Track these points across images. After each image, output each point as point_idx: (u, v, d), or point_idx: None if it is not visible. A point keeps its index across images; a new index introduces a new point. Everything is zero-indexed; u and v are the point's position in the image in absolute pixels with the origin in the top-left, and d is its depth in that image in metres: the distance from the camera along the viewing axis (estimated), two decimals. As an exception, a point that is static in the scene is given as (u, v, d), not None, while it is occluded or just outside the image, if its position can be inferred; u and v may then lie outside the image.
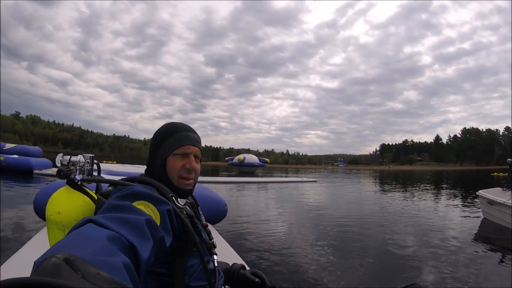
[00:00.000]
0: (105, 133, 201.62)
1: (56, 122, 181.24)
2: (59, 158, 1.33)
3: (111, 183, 1.11)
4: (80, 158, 1.31)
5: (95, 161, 1.39)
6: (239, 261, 2.69)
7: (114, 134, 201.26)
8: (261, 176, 23.39)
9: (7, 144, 15.15)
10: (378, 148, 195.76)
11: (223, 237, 4.35)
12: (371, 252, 4.14)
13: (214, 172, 31.56)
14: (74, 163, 1.30)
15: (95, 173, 1.35)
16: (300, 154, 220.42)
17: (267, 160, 34.96)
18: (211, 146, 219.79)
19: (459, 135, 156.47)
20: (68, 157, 1.32)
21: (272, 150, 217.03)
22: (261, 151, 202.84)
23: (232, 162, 33.89)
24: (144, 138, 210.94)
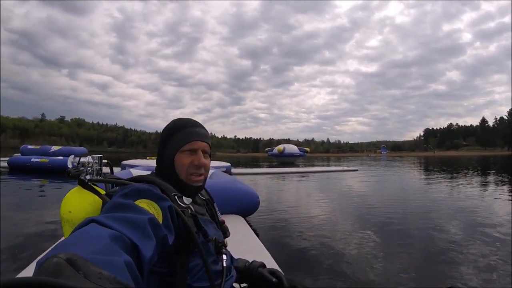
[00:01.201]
0: (147, 131, 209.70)
1: (100, 123, 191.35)
2: (70, 159, 1.35)
3: (116, 183, 1.13)
4: (88, 159, 1.33)
5: (105, 160, 1.41)
6: (266, 256, 2.66)
7: (156, 131, 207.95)
8: (302, 166, 23.08)
9: (53, 147, 16.48)
10: (422, 133, 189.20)
11: (254, 230, 4.30)
12: (414, 245, 3.86)
13: (254, 163, 31.67)
14: (83, 164, 1.32)
15: (104, 173, 1.33)
16: (341, 142, 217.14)
17: (307, 149, 34.42)
18: (251, 137, 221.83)
19: (505, 117, 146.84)
20: (78, 158, 1.34)
21: (313, 139, 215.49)
22: (301, 140, 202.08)
23: (272, 153, 33.74)
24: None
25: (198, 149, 1.10)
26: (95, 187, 1.26)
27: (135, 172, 6.55)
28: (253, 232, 3.48)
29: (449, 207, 6.43)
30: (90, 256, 0.46)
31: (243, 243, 3.04)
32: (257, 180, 12.17)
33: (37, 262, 0.44)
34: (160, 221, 0.82)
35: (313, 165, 25.37)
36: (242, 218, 4.16)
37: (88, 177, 1.27)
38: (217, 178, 5.63)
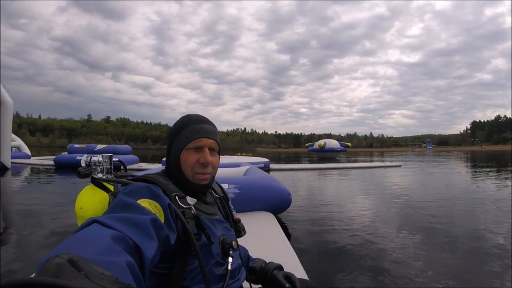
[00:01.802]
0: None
1: (144, 122, 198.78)
2: (83, 158, 1.41)
3: (120, 182, 1.15)
4: (99, 158, 1.37)
5: (116, 159, 1.45)
6: (291, 256, 2.57)
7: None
8: (342, 162, 22.44)
9: (98, 145, 17.31)
10: (468, 126, 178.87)
11: (286, 228, 4.27)
12: (459, 246, 3.53)
13: (295, 159, 31.32)
14: (94, 163, 1.36)
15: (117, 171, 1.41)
16: (385, 136, 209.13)
17: (349, 144, 33.47)
18: (291, 133, 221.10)
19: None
20: (89, 157, 1.39)
21: (355, 133, 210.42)
22: (343, 135, 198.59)
23: (313, 148, 33.33)
24: (227, 130, 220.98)
25: (204, 147, 1.06)
26: (106, 185, 1.30)
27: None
28: (281, 230, 3.38)
29: (499, 207, 5.89)
30: (92, 257, 0.47)
31: (269, 242, 2.97)
32: (296, 176, 11.98)
33: (39, 262, 0.45)
34: (162, 220, 0.81)
35: (355, 161, 24.60)
36: (272, 216, 4.06)
37: (100, 175, 1.32)
38: (250, 174, 5.66)
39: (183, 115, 1.16)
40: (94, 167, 1.37)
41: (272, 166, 15.28)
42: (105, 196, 1.26)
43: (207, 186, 1.10)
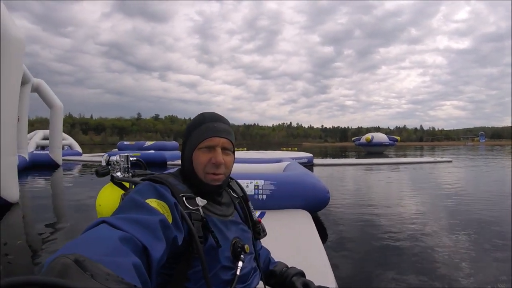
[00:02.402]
0: (236, 123, 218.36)
1: (191, 118, 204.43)
2: (104, 158, 1.45)
3: (132, 181, 1.22)
4: (117, 158, 1.40)
5: (134, 158, 1.48)
6: (321, 258, 2.45)
7: (244, 124, 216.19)
8: (390, 157, 21.30)
9: (146, 142, 18.51)
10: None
11: (323, 227, 4.08)
12: None
13: (341, 153, 30.49)
14: (113, 163, 1.40)
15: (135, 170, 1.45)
16: (436, 129, 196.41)
17: (398, 138, 31.90)
18: (338, 126, 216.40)
19: None
20: (109, 156, 1.42)
21: (404, 126, 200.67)
22: (392, 128, 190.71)
23: (360, 142, 32.30)
24: (273, 124, 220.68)
25: (216, 146, 1.03)
26: (124, 183, 1.33)
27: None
28: (315, 230, 3.24)
29: None
30: (98, 257, 0.47)
31: (300, 242, 2.88)
32: (340, 172, 11.63)
33: (46, 262, 0.46)
34: (170, 220, 0.81)
35: (404, 155, 23.40)
36: (308, 214, 3.93)
37: (118, 174, 1.35)
38: (289, 171, 5.55)
39: (199, 113, 1.14)
40: (112, 166, 1.41)
41: (316, 161, 14.96)
42: (121, 194, 1.28)
43: (220, 186, 1.07)
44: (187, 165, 1.07)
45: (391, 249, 3.30)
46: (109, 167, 1.39)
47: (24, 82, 10.68)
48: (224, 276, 0.96)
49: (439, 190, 7.36)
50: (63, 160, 14.42)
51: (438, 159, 16.48)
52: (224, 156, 1.04)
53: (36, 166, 12.88)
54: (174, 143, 19.08)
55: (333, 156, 24.50)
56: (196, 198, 0.98)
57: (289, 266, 1.30)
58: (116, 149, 18.49)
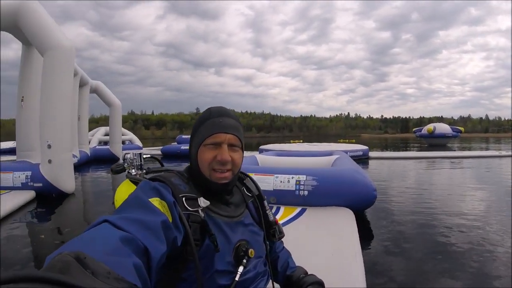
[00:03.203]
0: (292, 115, 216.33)
1: (248, 111, 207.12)
2: (122, 155, 1.48)
3: (140, 180, 1.19)
4: (131, 155, 1.41)
5: (148, 155, 1.48)
6: (357, 263, 2.26)
7: (301, 115, 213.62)
8: (453, 149, 19.76)
9: None
10: None
11: (368, 228, 3.75)
12: None
13: (402, 146, 28.91)
14: (127, 160, 1.42)
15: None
16: (502, 119, 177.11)
17: (461, 129, 29.26)
18: (399, 116, 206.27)
19: None
20: (124, 154, 1.44)
21: (469, 116, 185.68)
22: (455, 118, 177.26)
23: (421, 133, 30.33)
24: (330, 116, 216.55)
25: (222, 143, 0.98)
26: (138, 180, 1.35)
27: (262, 158, 6.77)
28: (356, 231, 3.02)
29: None
30: (99, 256, 0.47)
31: (336, 243, 2.71)
32: (398, 166, 10.89)
33: (47, 259, 0.45)
34: (170, 220, 0.80)
35: (468, 148, 21.52)
36: (350, 213, 3.69)
37: (133, 171, 1.36)
38: (337, 165, 5.29)
39: (207, 108, 1.09)
40: (126, 164, 1.43)
41: (373, 154, 14.25)
42: (136, 190, 1.34)
43: (227, 185, 1.01)
44: (193, 163, 1.02)
45: (449, 254, 2.94)
46: (125, 164, 1.41)
47: (83, 84, 11.76)
48: (222, 280, 0.92)
49: (505, 188, 6.55)
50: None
51: (504, 153, 14.63)
52: (231, 153, 0.99)
53: (97, 160, 13.84)
54: None
55: (392, 149, 23.40)
56: (199, 198, 0.94)
57: (309, 273, 1.20)
58: (175, 143, 19.39)
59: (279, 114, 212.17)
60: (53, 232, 3.93)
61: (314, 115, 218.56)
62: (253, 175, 4.24)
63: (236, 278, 0.93)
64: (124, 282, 0.43)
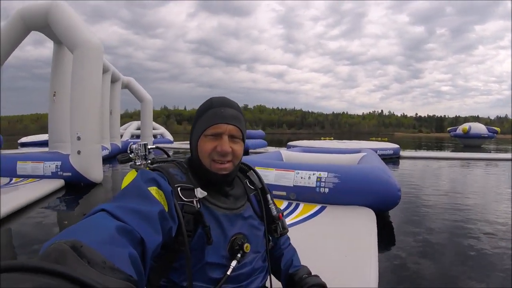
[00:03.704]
0: (324, 112, 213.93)
1: (280, 108, 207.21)
2: (129, 146, 1.50)
3: (139, 168, 1.21)
4: (136, 145, 1.43)
5: (153, 146, 1.50)
6: (372, 263, 2.18)
7: (333, 112, 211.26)
8: (488, 151, 18.52)
9: None
10: None
11: (388, 230, 3.53)
12: None
13: (436, 145, 27.75)
14: (132, 150, 1.45)
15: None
16: None
17: (497, 129, 27.71)
18: (434, 115, 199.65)
19: None
20: (131, 144, 1.47)
21: (505, 116, 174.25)
22: (492, 117, 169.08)
23: (455, 133, 29.01)
24: (362, 113, 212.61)
25: (223, 134, 0.97)
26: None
27: (287, 154, 6.69)
28: (375, 232, 2.89)
29: None
30: (95, 245, 0.47)
31: (352, 242, 2.61)
32: (430, 166, 10.28)
33: (43, 247, 0.46)
34: (166, 209, 0.80)
35: (504, 150, 19.78)
36: (372, 213, 3.52)
37: (138, 162, 1.39)
38: (364, 163, 5.10)
39: (208, 98, 1.07)
40: (132, 154, 1.45)
41: (404, 153, 13.67)
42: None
43: (227, 176, 1.00)
44: (194, 153, 1.02)
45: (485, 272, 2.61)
46: (131, 154, 1.42)
47: (114, 80, 12.28)
48: (213, 273, 0.91)
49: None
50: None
51: None
52: (232, 144, 0.97)
53: (128, 153, 14.39)
54: (260, 132, 19.78)
55: (426, 148, 22.55)
56: (196, 189, 0.94)
57: (313, 274, 1.16)
58: None
59: (310, 111, 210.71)
60: (78, 218, 4.04)
61: (346, 112, 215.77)
62: (273, 170, 4.13)
63: (228, 272, 0.91)
64: (119, 272, 0.44)
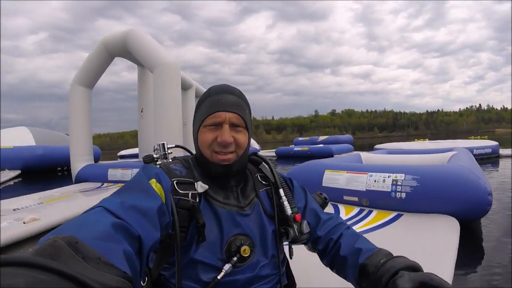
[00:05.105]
0: (417, 111, 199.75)
1: (369, 110, 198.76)
2: (154, 146, 1.54)
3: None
4: (156, 146, 1.45)
5: (171, 145, 1.50)
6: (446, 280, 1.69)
7: (426, 111, 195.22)
8: None
9: (320, 137, 20.31)
10: None
11: (477, 247, 2.87)
12: None
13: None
14: (156, 151, 1.50)
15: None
16: None
17: None
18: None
19: None
20: (155, 145, 1.52)
21: None
22: None
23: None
24: (459, 109, 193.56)
25: (223, 122, 0.90)
26: None
27: (367, 156, 6.19)
28: (455, 245, 2.35)
29: None
30: (91, 241, 0.48)
31: (423, 257, 1.99)
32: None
33: (39, 243, 0.46)
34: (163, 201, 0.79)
35: None
36: (455, 223, 2.87)
37: (159, 161, 1.43)
38: (454, 162, 4.25)
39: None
40: (154, 155, 1.46)
41: (505, 151, 11.17)
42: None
43: (230, 167, 0.92)
44: (196, 145, 0.98)
45: None
46: (154, 155, 1.44)
47: (186, 87, 12.85)
48: (204, 275, 0.84)
49: None
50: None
51: None
52: (234, 134, 0.91)
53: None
54: (348, 136, 19.62)
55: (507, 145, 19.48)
56: (196, 183, 0.89)
57: (395, 255, 0.82)
58: (293, 145, 20.43)
59: (402, 111, 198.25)
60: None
61: (442, 110, 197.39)
62: (344, 173, 3.76)
63: (218, 277, 0.83)
64: (114, 268, 0.44)
